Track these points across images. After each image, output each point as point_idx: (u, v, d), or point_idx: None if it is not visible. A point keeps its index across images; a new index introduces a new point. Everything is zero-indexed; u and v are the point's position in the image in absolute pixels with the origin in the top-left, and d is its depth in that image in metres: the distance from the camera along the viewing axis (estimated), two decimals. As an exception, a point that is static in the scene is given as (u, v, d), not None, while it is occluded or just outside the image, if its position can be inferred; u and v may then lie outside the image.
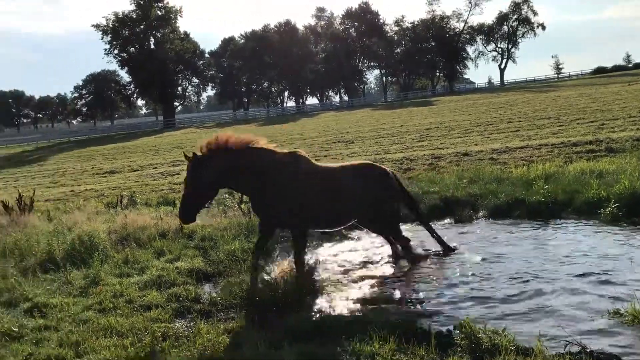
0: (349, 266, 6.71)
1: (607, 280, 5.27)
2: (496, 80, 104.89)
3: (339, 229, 6.89)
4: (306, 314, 4.89)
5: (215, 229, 8.37)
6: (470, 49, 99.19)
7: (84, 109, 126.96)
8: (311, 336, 4.30)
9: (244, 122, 68.31)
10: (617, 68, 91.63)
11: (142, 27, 75.05)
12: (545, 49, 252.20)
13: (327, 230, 7.27)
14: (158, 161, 26.69)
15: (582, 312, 4.57)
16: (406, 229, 7.58)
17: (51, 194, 17.41)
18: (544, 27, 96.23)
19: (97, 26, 73.37)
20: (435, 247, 7.00)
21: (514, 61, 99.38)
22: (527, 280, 5.50)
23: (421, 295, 5.43)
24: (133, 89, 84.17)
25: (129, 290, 5.89)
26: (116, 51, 74.91)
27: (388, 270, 6.52)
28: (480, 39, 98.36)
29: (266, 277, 5.78)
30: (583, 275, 5.47)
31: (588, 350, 3.77)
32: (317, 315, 4.94)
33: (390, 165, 14.67)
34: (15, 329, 4.97)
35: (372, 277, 6.21)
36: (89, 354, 4.32)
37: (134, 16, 74.38)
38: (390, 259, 6.88)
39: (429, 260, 6.65)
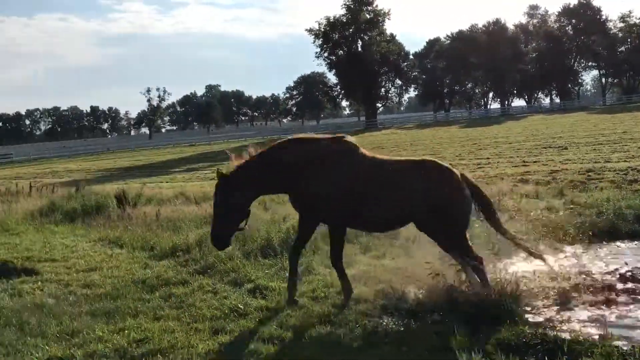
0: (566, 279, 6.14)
1: None
2: None
3: (391, 230, 6.47)
4: (520, 328, 4.59)
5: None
6: None
7: (294, 109, 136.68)
8: (528, 352, 4.05)
9: (445, 123, 67.43)
10: None
11: (351, 30, 78.25)
12: None
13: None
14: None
15: None
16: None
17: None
18: None
19: (310, 30, 78.33)
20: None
21: None
22: None
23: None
24: (339, 90, 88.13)
25: (338, 282, 6.13)
26: (326, 54, 79.13)
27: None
28: None
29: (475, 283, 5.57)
30: None
31: None
32: (534, 330, 4.61)
33: (612, 175, 13.24)
34: (241, 307, 5.51)
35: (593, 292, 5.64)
36: (307, 339, 4.61)
37: (344, 20, 77.83)
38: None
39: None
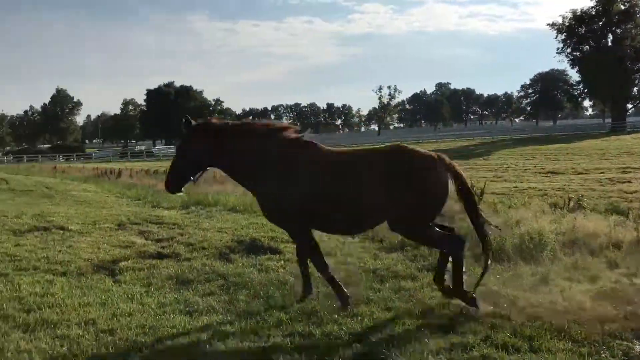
0: None
1: None
2: None
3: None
4: None
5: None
6: None
7: (528, 108, 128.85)
8: None
9: None
10: None
11: (600, 23, 70.95)
12: None
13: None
14: (605, 166, 24.87)
15: None
16: None
17: (495, 188, 18.23)
18: None
19: (552, 25, 73.03)
20: None
21: None
22: None
23: None
24: (582, 88, 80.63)
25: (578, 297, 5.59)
26: (569, 49, 73.04)
27: None
28: None
29: None
30: None
31: None
32: None
33: None
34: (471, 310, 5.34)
35: None
36: (544, 352, 4.29)
37: (593, 12, 70.88)
38: None
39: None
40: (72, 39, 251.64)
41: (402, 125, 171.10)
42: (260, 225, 11.21)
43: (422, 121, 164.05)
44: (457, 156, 40.66)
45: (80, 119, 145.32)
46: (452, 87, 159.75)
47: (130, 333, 4.94)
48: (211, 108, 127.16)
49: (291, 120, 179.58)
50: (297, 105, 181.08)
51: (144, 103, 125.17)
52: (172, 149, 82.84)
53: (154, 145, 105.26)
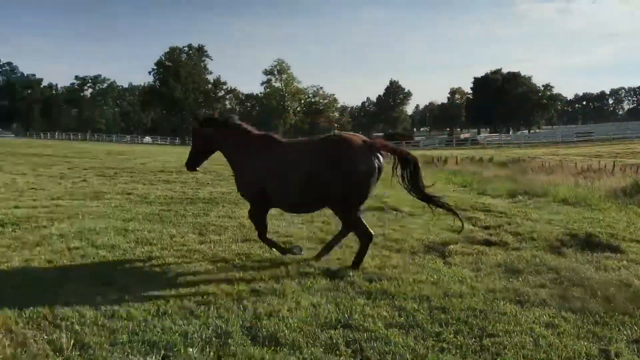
0: None
1: None
2: None
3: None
4: None
5: None
6: None
7: None
8: None
9: None
10: None
11: None
12: None
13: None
14: None
15: None
16: None
17: None
18: None
19: None
20: None
21: None
22: None
23: None
24: None
25: None
26: None
27: None
28: None
29: None
30: None
31: None
32: None
33: None
34: None
35: None
36: None
37: None
38: None
39: None
40: (401, 32, 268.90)
41: None
42: (596, 220, 10.31)
43: None
44: None
45: (409, 109, 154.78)
46: None
47: (461, 314, 5.11)
48: (540, 94, 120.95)
49: (635, 105, 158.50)
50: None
51: (470, 91, 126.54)
52: (496, 137, 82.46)
53: (479, 134, 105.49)
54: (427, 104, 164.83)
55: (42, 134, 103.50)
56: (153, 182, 17.57)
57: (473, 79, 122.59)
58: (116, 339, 4.40)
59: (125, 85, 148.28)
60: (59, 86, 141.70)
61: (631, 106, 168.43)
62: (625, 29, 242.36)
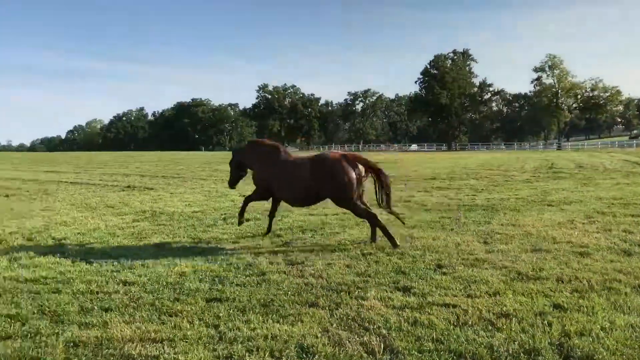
0: None
1: None
2: None
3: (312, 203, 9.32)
4: None
5: None
6: None
7: None
8: None
9: None
10: None
11: None
12: None
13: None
14: None
15: None
16: None
17: None
18: None
19: None
20: None
21: None
22: None
23: None
24: None
25: None
26: None
27: None
28: None
29: None
30: None
31: None
32: None
33: None
34: None
35: None
36: None
37: None
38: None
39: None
40: None
41: None
42: None
43: None
44: None
45: None
46: None
47: None
48: None
49: None
50: None
51: None
52: None
53: None
54: None
55: (320, 147, 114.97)
56: (427, 189, 17.88)
57: None
58: (422, 346, 4.50)
59: (392, 97, 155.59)
60: (333, 102, 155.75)
61: None
62: None
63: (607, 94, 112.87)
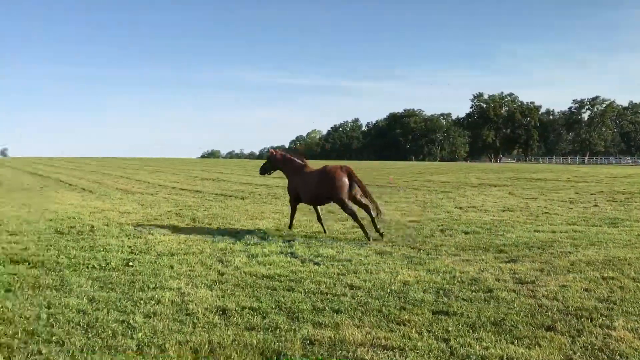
0: None
1: None
2: None
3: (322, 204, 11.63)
4: None
5: None
6: None
7: None
8: None
9: None
10: None
11: None
12: None
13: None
14: None
15: None
16: None
17: None
18: None
19: None
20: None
21: None
22: None
23: None
24: None
25: None
26: None
27: None
28: None
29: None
30: None
31: None
32: None
33: None
34: None
35: None
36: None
37: None
38: None
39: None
40: None
41: None
42: None
43: None
44: None
45: None
46: None
47: None
48: None
49: None
50: None
51: None
52: None
53: None
54: None
55: (540, 159, 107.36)
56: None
57: None
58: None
59: (625, 104, 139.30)
60: (555, 111, 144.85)
61: None
62: None
63: None
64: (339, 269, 7.94)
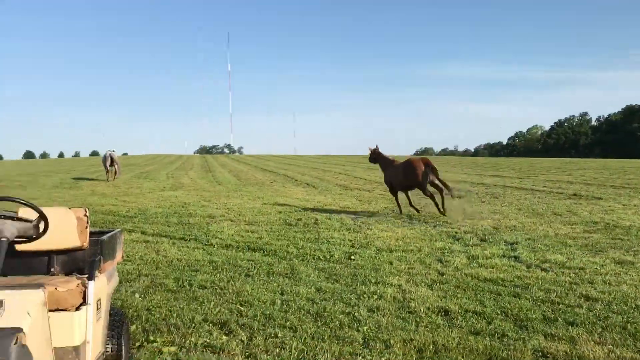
0: None
1: None
2: None
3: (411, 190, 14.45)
4: None
5: None
6: None
7: None
8: None
9: None
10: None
11: None
12: None
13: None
14: None
15: None
16: None
17: None
18: None
19: None
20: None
21: None
22: None
23: None
24: None
25: None
26: None
27: None
28: None
29: None
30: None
31: None
32: None
33: None
34: None
35: None
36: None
37: None
38: None
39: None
40: None
41: None
42: None
43: None
44: None
45: None
46: None
47: None
48: None
49: None
50: None
51: None
52: None
53: None
54: None
55: None
56: None
57: None
58: None
59: None
60: None
61: None
62: None
63: None
64: (570, 277, 7.26)
